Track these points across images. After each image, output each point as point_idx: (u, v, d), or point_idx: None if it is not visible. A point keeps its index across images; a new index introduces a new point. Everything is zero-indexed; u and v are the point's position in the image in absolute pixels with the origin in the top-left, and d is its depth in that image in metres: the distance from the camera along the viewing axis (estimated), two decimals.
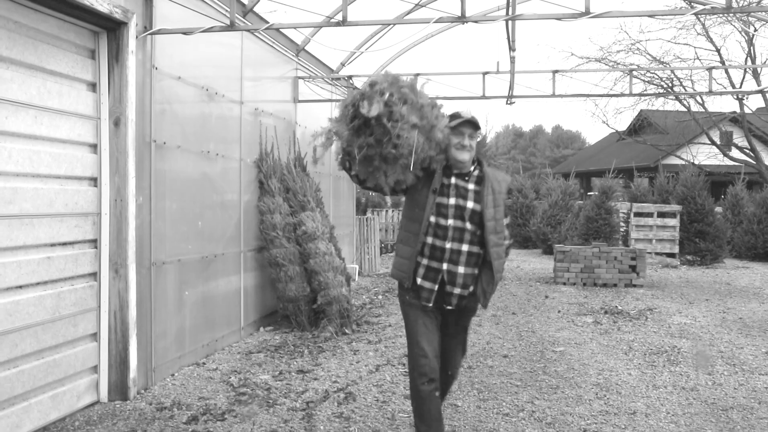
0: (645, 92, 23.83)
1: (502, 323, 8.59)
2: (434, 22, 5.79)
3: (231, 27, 5.88)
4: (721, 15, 20.28)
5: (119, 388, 5.30)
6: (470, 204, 3.92)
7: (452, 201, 3.92)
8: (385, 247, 18.03)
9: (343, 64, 11.02)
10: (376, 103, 3.51)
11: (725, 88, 24.01)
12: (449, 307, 4.01)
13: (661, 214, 16.93)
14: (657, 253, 16.61)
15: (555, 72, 9.67)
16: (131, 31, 5.28)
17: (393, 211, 20.77)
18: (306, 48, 9.64)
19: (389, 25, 8.98)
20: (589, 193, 28.25)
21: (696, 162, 27.17)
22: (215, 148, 6.88)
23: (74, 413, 4.96)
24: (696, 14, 6.61)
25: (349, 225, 12.90)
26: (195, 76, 6.45)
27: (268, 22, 7.00)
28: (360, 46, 10.51)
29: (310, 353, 6.86)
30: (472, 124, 3.88)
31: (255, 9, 7.64)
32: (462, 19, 5.74)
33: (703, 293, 11.57)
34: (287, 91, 9.28)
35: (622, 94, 10.55)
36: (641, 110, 31.49)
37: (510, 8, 5.79)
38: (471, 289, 3.98)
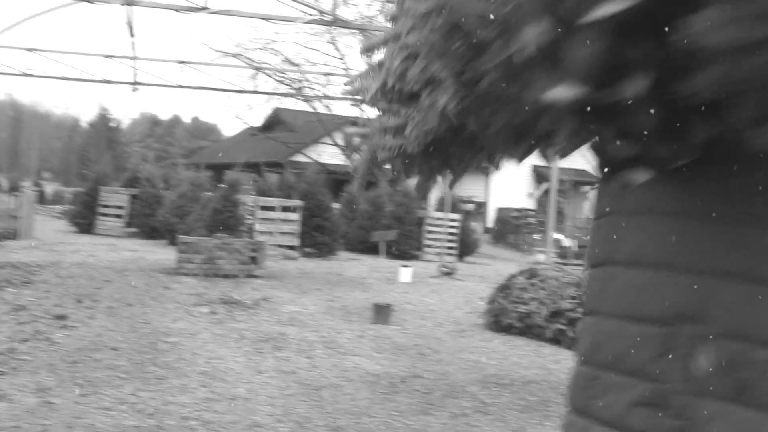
0: (271, 92, 24.87)
1: (116, 315, 8.34)
2: None
3: None
4: (344, 27, 22.01)
5: None
6: None
7: None
8: None
9: None
10: None
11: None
12: None
13: (285, 208, 17.84)
14: (280, 246, 17.44)
15: (182, 63, 9.67)
16: None
17: None
18: None
19: None
20: (221, 185, 28.68)
21: (321, 161, 29.11)
22: None
23: None
24: (306, 23, 7.11)
25: None
26: None
27: None
28: None
29: None
30: None
31: None
32: None
33: (316, 283, 12.45)
34: None
35: (243, 91, 10.98)
36: (275, 107, 32.80)
37: None
38: None
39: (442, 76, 1.28)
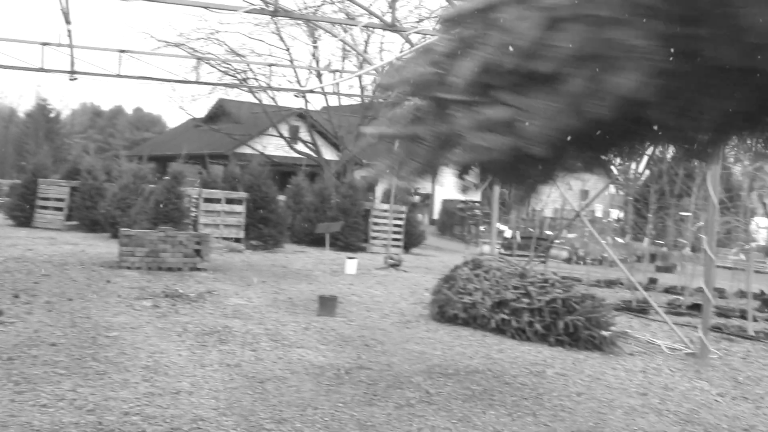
0: (215, 82, 24.50)
1: (55, 310, 8.14)
2: None
3: None
4: (287, 17, 21.84)
5: None
6: None
7: None
8: None
9: None
10: None
11: (294, 85, 25.89)
12: None
13: (229, 201, 17.65)
14: (224, 238, 17.25)
15: (122, 51, 9.47)
16: None
17: None
18: None
19: None
20: (164, 177, 28.25)
21: (266, 153, 28.85)
22: None
23: None
24: (248, 12, 7.05)
25: None
26: None
27: None
28: None
29: None
30: None
31: None
32: None
33: (261, 275, 12.36)
34: None
35: (186, 81, 10.80)
36: (220, 98, 32.35)
37: None
38: None
39: (633, 46, 0.87)
